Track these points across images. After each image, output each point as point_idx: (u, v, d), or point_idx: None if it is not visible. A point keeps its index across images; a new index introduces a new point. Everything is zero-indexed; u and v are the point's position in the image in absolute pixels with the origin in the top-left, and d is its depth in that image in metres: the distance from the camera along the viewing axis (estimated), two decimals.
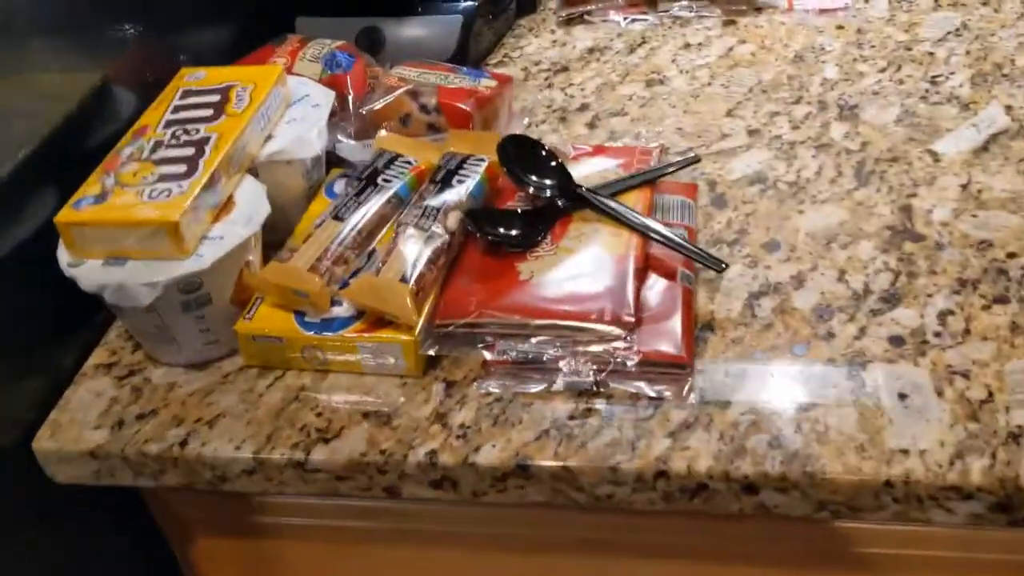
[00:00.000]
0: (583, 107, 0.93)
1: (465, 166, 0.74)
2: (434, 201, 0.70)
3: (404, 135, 0.80)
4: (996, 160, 0.79)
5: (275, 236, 0.74)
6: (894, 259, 0.70)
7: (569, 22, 1.06)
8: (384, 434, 0.61)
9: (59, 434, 0.64)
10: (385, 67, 0.91)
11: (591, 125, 0.90)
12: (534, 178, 0.73)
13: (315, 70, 0.85)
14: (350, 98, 0.84)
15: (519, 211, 0.72)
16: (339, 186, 0.78)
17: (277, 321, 0.66)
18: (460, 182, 0.72)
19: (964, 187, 0.76)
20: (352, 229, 0.69)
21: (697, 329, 0.66)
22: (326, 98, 0.79)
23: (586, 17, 1.06)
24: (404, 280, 0.64)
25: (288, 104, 0.78)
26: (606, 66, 0.98)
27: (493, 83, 0.84)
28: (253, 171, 0.73)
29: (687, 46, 0.99)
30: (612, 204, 0.71)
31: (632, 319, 0.62)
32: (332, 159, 0.81)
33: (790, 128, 0.86)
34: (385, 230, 0.71)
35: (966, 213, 0.74)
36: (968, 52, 0.92)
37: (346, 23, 0.98)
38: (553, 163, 0.74)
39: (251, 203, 0.68)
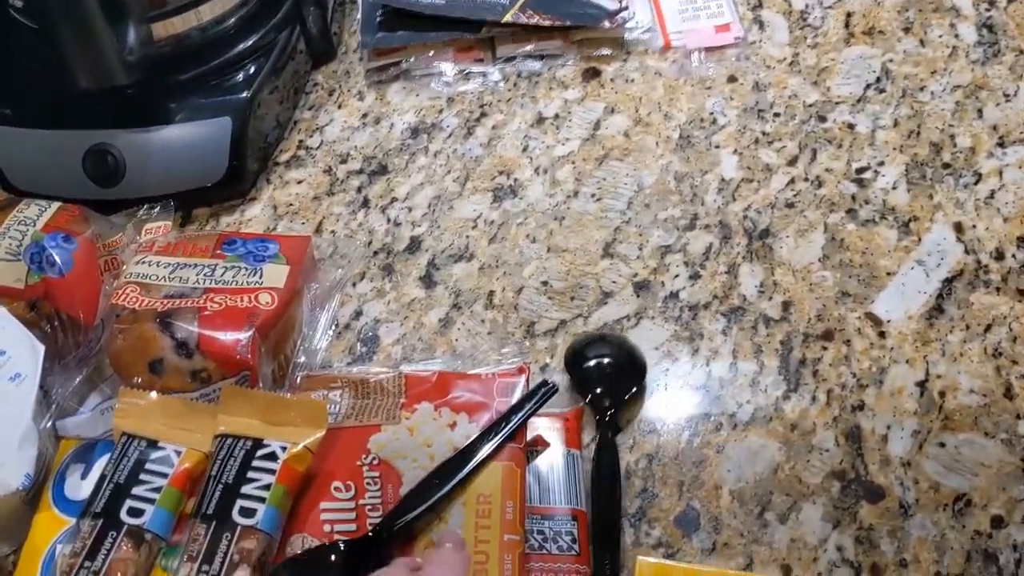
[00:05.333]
0: (414, 244, 0.69)
1: (251, 472, 0.50)
2: (210, 555, 0.47)
3: (160, 390, 0.55)
4: (956, 329, 0.61)
5: None
6: (850, 541, 0.53)
7: (381, 81, 0.79)
8: None
9: None
10: (131, 229, 0.65)
11: (427, 280, 0.66)
12: None
13: (16, 274, 0.58)
14: (79, 326, 0.58)
15: (340, 547, 0.49)
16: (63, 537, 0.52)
17: None
18: (245, 512, 0.49)
19: (922, 387, 0.58)
20: None
21: None
22: (33, 360, 0.53)
23: (404, 66, 0.79)
24: None
25: None
26: (438, 162, 0.74)
27: (283, 269, 0.59)
28: None
29: (540, 120, 0.75)
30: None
31: None
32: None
33: (688, 277, 0.65)
34: None
35: (930, 441, 0.56)
36: (896, 123, 0.72)
37: (65, 139, 0.69)
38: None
39: None
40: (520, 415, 0.53)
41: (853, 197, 0.68)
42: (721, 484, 0.55)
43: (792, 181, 0.69)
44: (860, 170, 0.70)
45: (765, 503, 0.54)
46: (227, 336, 0.55)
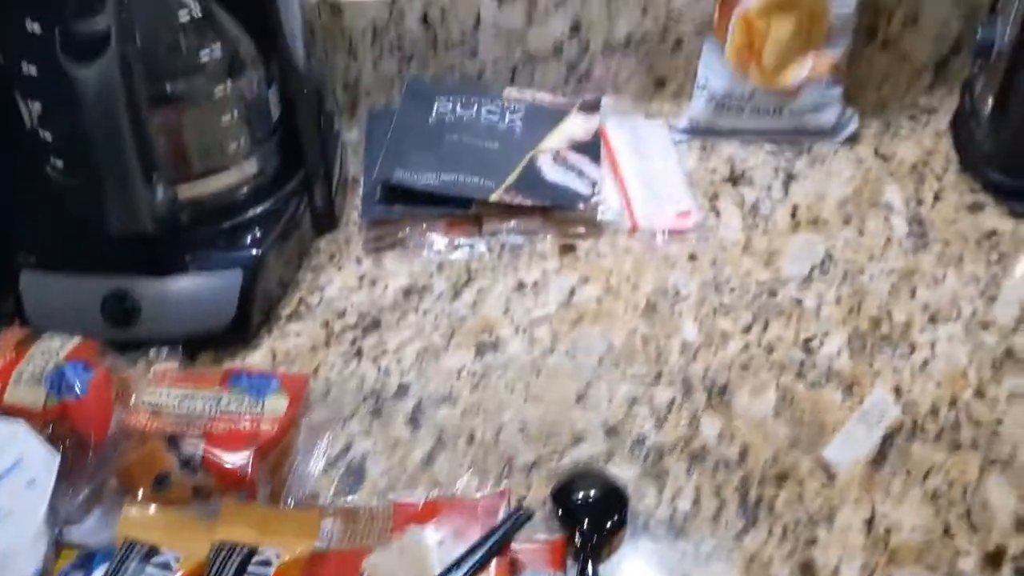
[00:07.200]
0: (402, 390, 0.74)
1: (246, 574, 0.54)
2: None
3: (163, 503, 0.59)
4: (897, 476, 0.66)
5: None
6: None
7: (378, 248, 0.88)
8: None
9: None
10: (142, 366, 0.70)
11: (413, 422, 0.72)
12: None
13: (36, 397, 0.63)
14: (89, 445, 0.62)
15: None
16: None
17: None
18: None
19: (869, 525, 0.63)
20: None
21: None
22: (47, 467, 0.58)
23: (399, 236, 0.88)
24: None
25: None
26: (427, 319, 0.81)
27: (283, 402, 0.65)
28: None
29: (520, 286, 0.83)
30: None
31: None
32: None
33: (654, 425, 0.71)
34: None
35: (878, 573, 0.60)
36: (839, 300, 0.80)
37: (87, 284, 0.76)
38: None
39: None
40: (501, 531, 0.57)
41: (801, 363, 0.75)
42: None
43: (747, 346, 0.77)
44: (807, 339, 0.77)
45: None
46: (230, 456, 0.59)
